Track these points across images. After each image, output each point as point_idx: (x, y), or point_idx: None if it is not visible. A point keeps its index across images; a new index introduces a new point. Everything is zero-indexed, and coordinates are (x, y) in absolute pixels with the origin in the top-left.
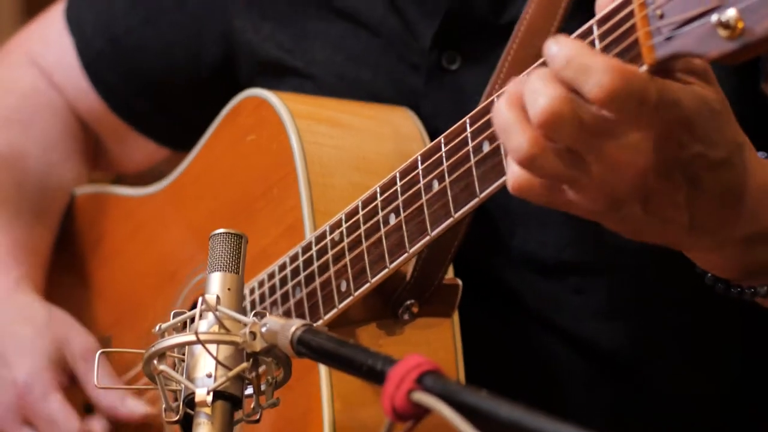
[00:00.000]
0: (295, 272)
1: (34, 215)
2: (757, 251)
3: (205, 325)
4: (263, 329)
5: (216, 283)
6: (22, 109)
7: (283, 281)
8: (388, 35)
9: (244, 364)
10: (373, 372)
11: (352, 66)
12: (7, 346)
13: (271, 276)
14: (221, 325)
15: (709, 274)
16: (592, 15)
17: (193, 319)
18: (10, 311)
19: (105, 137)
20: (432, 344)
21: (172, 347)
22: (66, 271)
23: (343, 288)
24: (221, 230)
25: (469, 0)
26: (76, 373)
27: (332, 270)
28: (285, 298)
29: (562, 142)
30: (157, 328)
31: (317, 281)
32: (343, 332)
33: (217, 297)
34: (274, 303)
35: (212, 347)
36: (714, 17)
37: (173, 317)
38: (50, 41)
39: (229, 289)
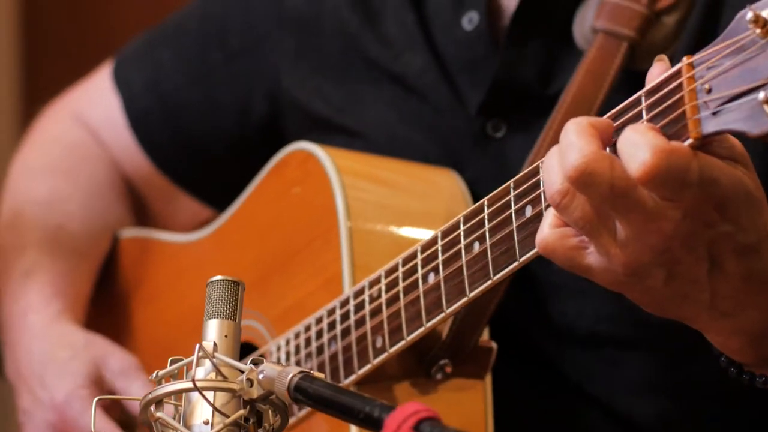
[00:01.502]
0: (332, 325)
1: (76, 255)
2: None
3: (202, 371)
4: (260, 376)
5: (213, 330)
6: (67, 159)
7: (319, 334)
8: (437, 100)
9: (241, 411)
10: (370, 419)
11: (403, 127)
12: (47, 369)
13: (308, 328)
14: (218, 372)
15: (724, 357)
16: (637, 89)
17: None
18: (50, 338)
19: (150, 197)
20: (464, 405)
21: (168, 394)
22: (106, 312)
23: (379, 344)
24: (218, 277)
25: (517, 70)
26: (115, 390)
27: (369, 325)
28: (320, 350)
29: (594, 200)
30: (155, 375)
31: (353, 336)
32: (375, 388)
33: (214, 344)
34: (308, 355)
35: (209, 394)
36: (761, 94)
37: (170, 364)
38: (97, 100)
39: (226, 336)
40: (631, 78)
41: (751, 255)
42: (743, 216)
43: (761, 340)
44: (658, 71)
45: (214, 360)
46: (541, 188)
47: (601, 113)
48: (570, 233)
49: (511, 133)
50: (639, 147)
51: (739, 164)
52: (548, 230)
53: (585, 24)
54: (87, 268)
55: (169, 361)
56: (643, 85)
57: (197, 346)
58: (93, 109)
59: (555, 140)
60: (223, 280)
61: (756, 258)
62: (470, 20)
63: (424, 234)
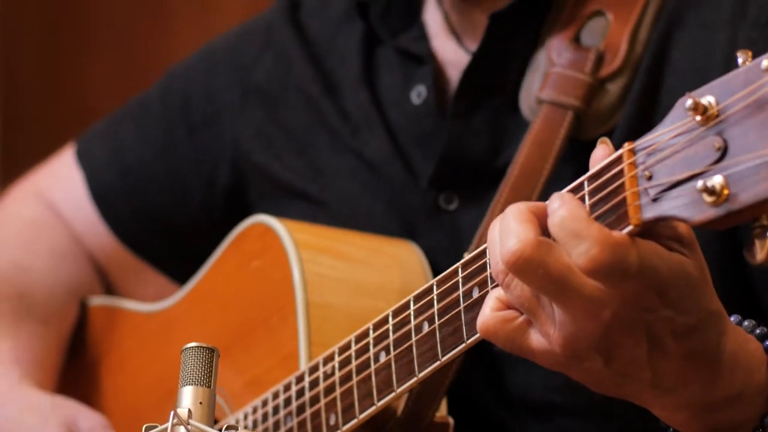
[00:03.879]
0: (287, 401)
1: (39, 322)
2: (721, 414)
3: None
4: None
5: (188, 397)
6: (26, 232)
7: (276, 409)
8: (393, 175)
9: None
10: None
11: (365, 199)
12: None
13: (265, 403)
14: None
15: (671, 430)
16: (583, 162)
17: None
18: (16, 404)
19: (115, 272)
20: None
21: None
22: (75, 379)
23: (332, 422)
24: (193, 344)
25: (464, 143)
26: None
27: (323, 402)
28: (276, 426)
29: (530, 285)
30: None
31: (307, 412)
32: None
33: (189, 411)
34: (266, 430)
35: None
36: (699, 183)
37: (145, 431)
38: (59, 176)
39: (200, 402)
40: (577, 147)
41: (690, 335)
42: (683, 300)
43: (705, 413)
44: (601, 153)
45: (189, 427)
46: (488, 270)
47: (548, 184)
48: (511, 316)
49: (463, 205)
50: (584, 239)
51: (684, 246)
52: (489, 313)
53: (530, 95)
54: (52, 335)
55: (143, 428)
56: (589, 155)
57: (172, 413)
58: (55, 187)
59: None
60: (198, 346)
61: (696, 336)
62: (419, 94)
63: (381, 308)
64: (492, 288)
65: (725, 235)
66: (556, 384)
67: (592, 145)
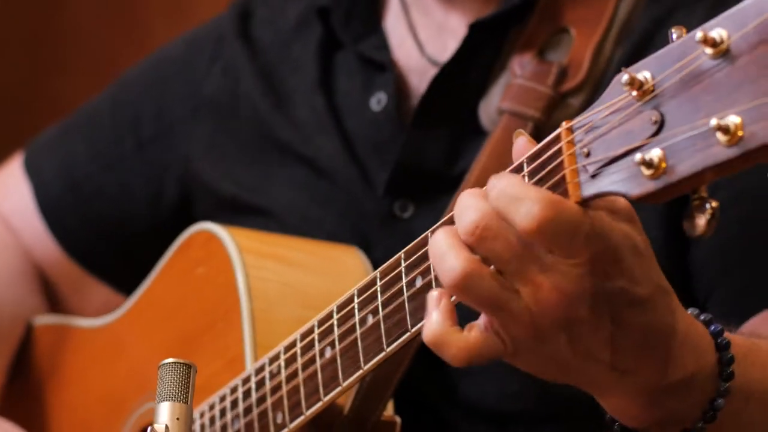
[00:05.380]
0: (234, 403)
1: None
2: (674, 400)
3: None
4: None
5: (165, 413)
6: None
7: (223, 412)
8: (347, 182)
9: None
10: None
11: (314, 208)
12: None
13: (212, 406)
14: None
15: (617, 424)
16: None
17: None
18: None
19: (61, 283)
20: None
21: None
22: (21, 400)
23: (279, 420)
24: (170, 360)
25: (421, 151)
26: None
27: (269, 401)
28: (224, 428)
29: (493, 260)
30: None
31: (254, 412)
32: None
33: (166, 426)
34: None
35: None
36: (638, 156)
37: None
38: (7, 187)
39: (177, 418)
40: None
41: (646, 307)
42: (635, 269)
43: (660, 397)
44: (522, 143)
45: None
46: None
47: None
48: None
49: (418, 213)
50: (522, 200)
51: (623, 216)
52: (435, 320)
53: (491, 106)
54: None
55: None
56: None
57: (149, 428)
58: (4, 198)
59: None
60: (175, 362)
61: (652, 311)
62: (378, 101)
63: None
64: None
65: (663, 224)
66: (512, 391)
67: None
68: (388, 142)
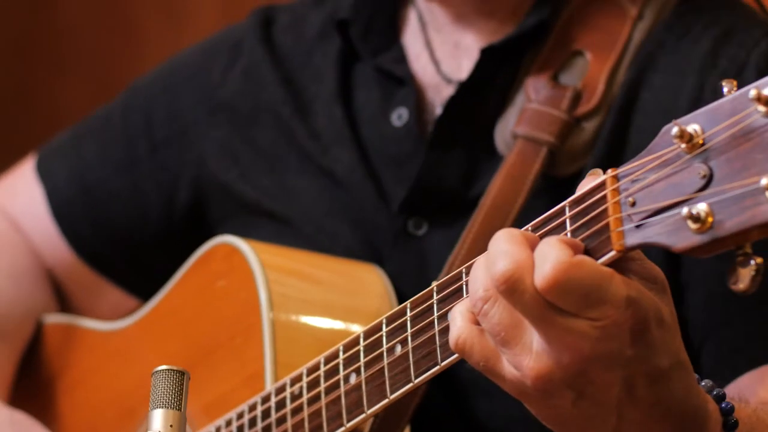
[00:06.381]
0: (253, 422)
1: None
2: None
3: None
4: None
5: (158, 420)
6: None
7: (240, 429)
8: (362, 196)
9: None
10: None
11: (330, 219)
12: None
13: (229, 423)
14: None
15: None
16: (556, 198)
17: None
18: None
19: (72, 287)
20: None
21: None
22: (28, 397)
23: None
24: (163, 367)
25: (439, 172)
26: None
27: (290, 423)
28: None
29: (518, 306)
30: None
31: None
32: None
33: None
34: None
35: None
36: (684, 209)
37: None
38: (18, 191)
39: (171, 425)
40: (550, 183)
41: (662, 381)
42: (659, 340)
43: None
44: (589, 184)
45: None
46: (464, 294)
47: (519, 217)
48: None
49: (432, 231)
50: (544, 259)
51: (657, 288)
52: (464, 325)
53: (506, 129)
54: (9, 351)
55: None
56: (562, 191)
57: None
58: (15, 201)
59: (474, 243)
60: (169, 369)
61: (665, 385)
62: (399, 116)
63: (348, 330)
64: (458, 302)
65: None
66: (519, 415)
67: (565, 182)
68: (406, 157)
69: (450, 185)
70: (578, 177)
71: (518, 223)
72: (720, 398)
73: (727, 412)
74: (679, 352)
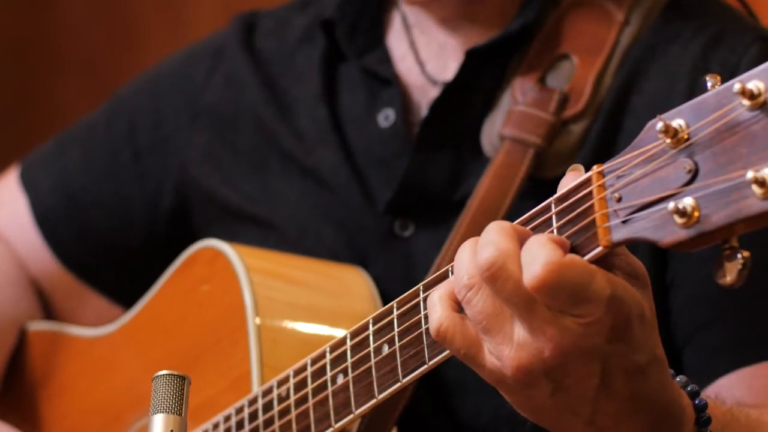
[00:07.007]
0: (240, 424)
1: None
2: None
3: None
4: None
5: (159, 425)
6: None
7: None
8: (348, 197)
9: None
10: None
11: (314, 221)
12: None
13: (216, 426)
14: None
15: None
16: (542, 200)
17: None
18: None
19: (56, 296)
20: None
21: None
22: (13, 405)
23: None
24: (164, 372)
25: (425, 173)
26: None
27: (277, 425)
28: None
29: (501, 295)
30: None
31: None
32: None
33: None
34: None
35: None
36: (671, 204)
37: None
38: (2, 200)
39: (171, 430)
40: (537, 185)
41: (638, 376)
42: (638, 337)
43: None
44: (569, 179)
45: None
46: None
47: (506, 219)
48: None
49: (418, 232)
50: (533, 259)
51: (639, 284)
52: (445, 313)
53: (493, 131)
54: None
55: None
56: (549, 193)
57: None
58: None
59: (462, 243)
60: (169, 374)
61: (642, 379)
62: (386, 117)
63: (333, 332)
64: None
65: (650, 263)
66: (507, 414)
67: (552, 184)
68: (393, 159)
69: (436, 186)
70: None
71: None
72: (694, 394)
73: (701, 409)
74: (655, 348)
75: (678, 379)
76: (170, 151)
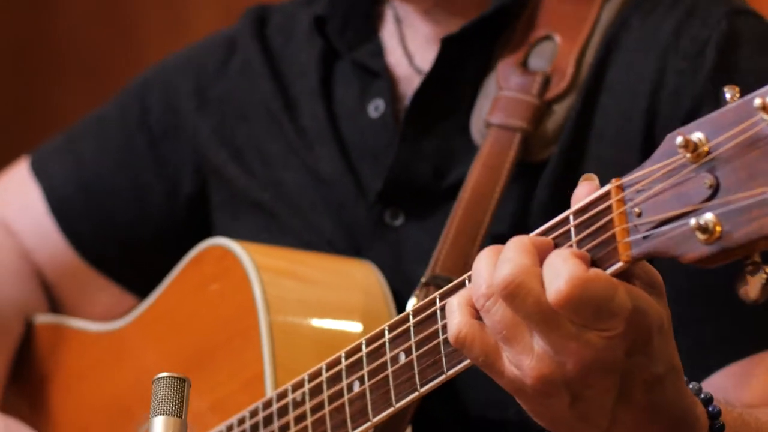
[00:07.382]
0: (255, 428)
1: None
2: None
3: None
4: None
5: (159, 427)
6: None
7: None
8: (342, 190)
9: None
10: None
11: (314, 213)
12: None
13: (230, 428)
14: None
15: None
16: (531, 183)
17: None
18: None
19: (65, 286)
20: None
21: None
22: (20, 398)
23: None
24: (164, 374)
25: (413, 162)
26: None
27: (293, 430)
28: None
29: (520, 311)
30: None
31: None
32: None
33: None
34: None
35: None
36: (692, 220)
37: None
38: (11, 190)
39: None
40: (527, 169)
41: (657, 386)
42: (656, 348)
43: None
44: (584, 190)
45: None
46: None
47: (499, 206)
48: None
49: (408, 221)
50: (557, 274)
51: (656, 294)
52: (464, 320)
53: (480, 119)
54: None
55: None
56: (536, 177)
57: None
58: (6, 200)
59: (458, 235)
60: (169, 376)
61: (660, 390)
62: (376, 108)
63: (344, 329)
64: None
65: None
66: (514, 402)
67: (539, 167)
68: (382, 149)
69: (424, 176)
70: (552, 162)
71: (498, 212)
72: (707, 401)
73: (715, 416)
74: (673, 357)
75: (691, 386)
76: (185, 135)
